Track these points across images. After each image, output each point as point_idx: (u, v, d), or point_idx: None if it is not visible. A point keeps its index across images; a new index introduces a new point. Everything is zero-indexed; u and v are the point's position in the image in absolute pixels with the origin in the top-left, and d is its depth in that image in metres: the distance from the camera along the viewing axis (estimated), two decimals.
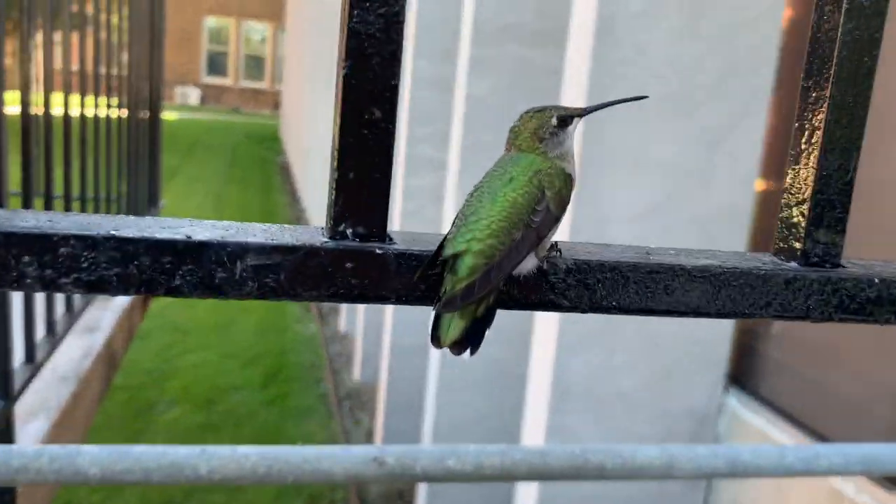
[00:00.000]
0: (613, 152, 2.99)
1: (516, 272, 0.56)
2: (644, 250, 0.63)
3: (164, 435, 6.54)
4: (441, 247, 0.57)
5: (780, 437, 3.05)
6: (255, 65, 32.98)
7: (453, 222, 0.60)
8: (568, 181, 0.63)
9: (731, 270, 0.60)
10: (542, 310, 0.57)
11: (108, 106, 4.10)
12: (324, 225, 0.57)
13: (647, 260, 0.59)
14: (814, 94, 0.62)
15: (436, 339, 0.55)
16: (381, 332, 6.42)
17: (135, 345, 7.55)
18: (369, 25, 0.53)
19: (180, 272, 0.52)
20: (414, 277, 0.54)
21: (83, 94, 3.41)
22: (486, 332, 0.55)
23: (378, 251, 0.54)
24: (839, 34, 0.60)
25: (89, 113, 3.62)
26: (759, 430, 3.14)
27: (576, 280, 0.57)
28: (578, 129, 2.66)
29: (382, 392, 6.06)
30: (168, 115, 24.31)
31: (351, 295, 0.54)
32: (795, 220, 0.63)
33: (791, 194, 0.64)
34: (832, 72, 0.60)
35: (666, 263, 0.59)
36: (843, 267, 0.64)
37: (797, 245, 0.63)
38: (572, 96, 3.07)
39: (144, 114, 5.40)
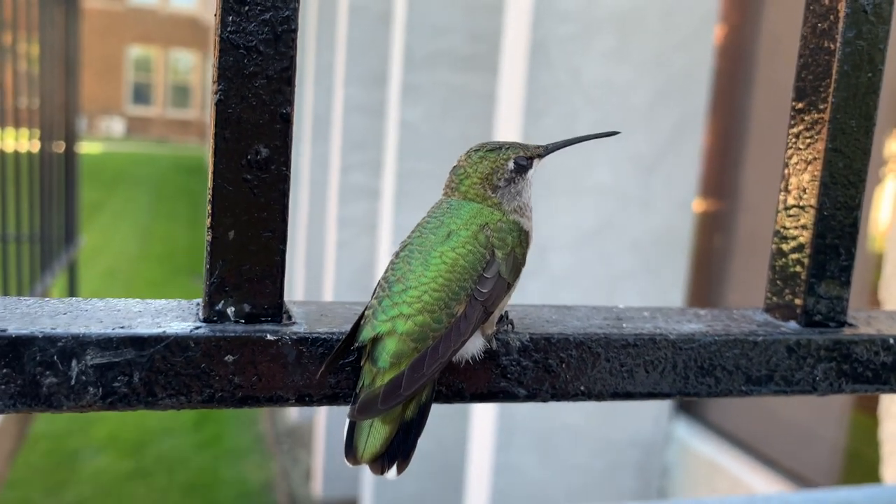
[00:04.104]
0: (551, 177, 2.91)
1: (457, 357, 0.43)
2: (614, 313, 0.50)
3: (89, 485, 6.15)
4: (357, 326, 0.43)
5: (729, 465, 2.98)
6: (181, 94, 32.30)
7: (374, 291, 0.45)
8: (523, 238, 0.49)
9: (722, 338, 0.47)
10: (492, 401, 0.43)
11: (17, 139, 3.85)
12: (200, 301, 0.43)
13: (621, 329, 0.47)
14: (808, 119, 0.51)
15: (351, 453, 0.41)
16: None
17: None
18: (250, 36, 0.39)
19: None
20: (317, 375, 0.40)
21: None
22: (419, 440, 0.41)
23: (270, 337, 0.40)
24: (838, 45, 0.49)
25: None
26: (707, 459, 3.07)
27: (533, 362, 0.44)
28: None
29: (321, 429, 5.83)
30: (91, 148, 23.58)
31: (234, 398, 0.40)
32: (793, 270, 0.52)
33: (785, 239, 0.52)
34: (830, 90, 0.50)
35: (645, 333, 0.46)
36: (850, 325, 0.52)
37: (797, 301, 0.51)
38: (506, 121, 2.98)
39: (59, 146, 5.12)
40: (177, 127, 32.36)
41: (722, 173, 3.35)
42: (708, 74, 3.02)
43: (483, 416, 3.13)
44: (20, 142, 4.06)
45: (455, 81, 4.27)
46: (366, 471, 4.77)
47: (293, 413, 7.16)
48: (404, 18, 4.16)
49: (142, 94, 31.73)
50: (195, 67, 32.11)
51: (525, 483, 3.06)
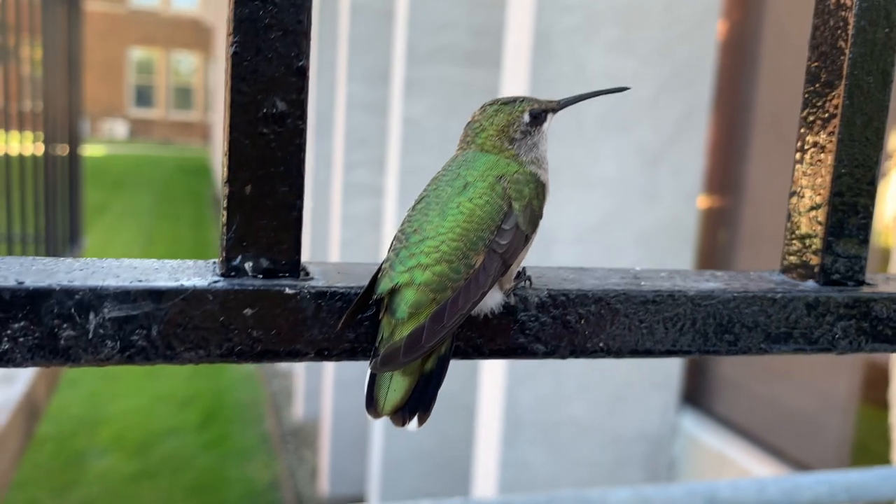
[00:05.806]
0: (556, 169, 2.90)
1: (475, 312, 0.42)
2: (631, 273, 0.50)
3: (96, 486, 6.16)
4: (375, 279, 0.42)
5: (736, 456, 2.98)
6: (184, 96, 32.32)
7: (391, 245, 0.45)
8: (540, 190, 0.49)
9: (741, 295, 0.47)
10: (511, 357, 0.43)
11: (21, 141, 3.86)
12: (217, 258, 0.42)
13: (639, 286, 0.46)
14: (824, 75, 0.51)
15: (372, 406, 0.40)
16: (323, 366, 6.19)
17: (62, 391, 7.11)
18: None
19: (8, 332, 0.37)
20: (338, 327, 0.40)
21: None
22: (438, 392, 0.41)
23: (289, 291, 0.40)
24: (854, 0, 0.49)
25: None
26: (715, 451, 3.06)
27: (551, 317, 0.44)
28: None
29: (326, 428, 5.83)
30: (95, 150, 23.60)
31: (252, 352, 0.39)
32: (809, 229, 0.51)
33: (801, 198, 0.52)
34: (847, 46, 0.49)
35: (664, 290, 0.46)
36: (869, 284, 0.52)
37: (814, 260, 0.51)
38: None
39: (63, 148, 5.13)
40: (179, 129, 32.39)
41: (727, 168, 3.34)
42: (712, 65, 3.02)
43: (489, 411, 3.13)
44: (24, 145, 4.07)
45: (458, 77, 4.26)
46: (371, 468, 4.77)
47: (298, 412, 7.16)
48: (406, 15, 4.16)
49: (144, 97, 31.75)
50: (197, 69, 32.14)
51: (532, 478, 3.06)
